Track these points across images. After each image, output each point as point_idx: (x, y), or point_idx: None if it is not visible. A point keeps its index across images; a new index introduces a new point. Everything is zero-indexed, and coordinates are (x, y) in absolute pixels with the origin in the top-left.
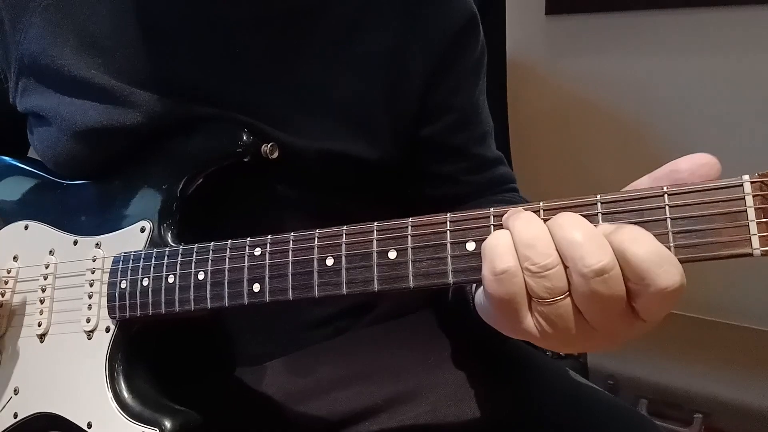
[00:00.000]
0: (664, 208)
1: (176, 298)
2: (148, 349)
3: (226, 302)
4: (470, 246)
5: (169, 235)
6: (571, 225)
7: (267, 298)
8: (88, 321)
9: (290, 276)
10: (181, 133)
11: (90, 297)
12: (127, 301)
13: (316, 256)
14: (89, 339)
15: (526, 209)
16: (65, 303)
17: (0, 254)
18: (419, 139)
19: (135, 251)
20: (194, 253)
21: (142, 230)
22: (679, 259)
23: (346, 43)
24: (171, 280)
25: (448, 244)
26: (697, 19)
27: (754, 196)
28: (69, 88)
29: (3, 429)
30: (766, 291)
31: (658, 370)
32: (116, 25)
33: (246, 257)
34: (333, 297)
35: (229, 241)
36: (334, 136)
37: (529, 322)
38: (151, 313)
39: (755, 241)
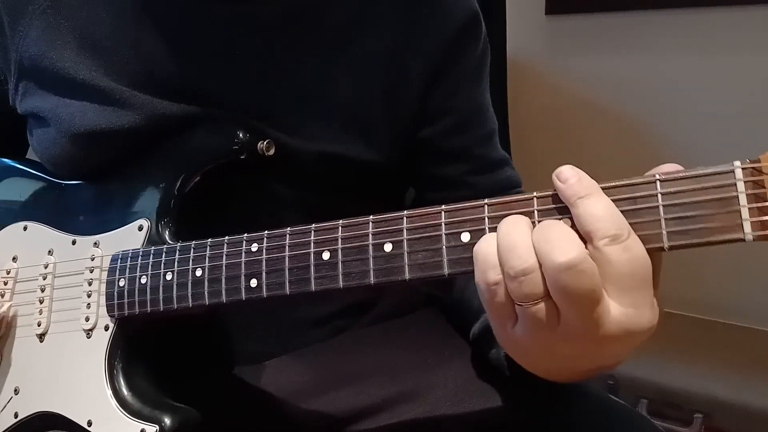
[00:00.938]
0: (657, 195)
1: (174, 295)
2: (147, 347)
3: (224, 298)
4: (465, 237)
5: (167, 233)
6: (546, 224)
7: (264, 293)
8: (87, 320)
9: (287, 271)
10: (179, 133)
11: (89, 296)
12: (126, 300)
13: (312, 250)
14: (88, 338)
15: (520, 200)
16: (64, 302)
17: None
18: (419, 141)
19: (133, 249)
20: (192, 250)
21: (140, 228)
22: (672, 245)
23: (345, 44)
24: (169, 277)
25: (443, 236)
26: (697, 19)
27: (745, 182)
28: (68, 90)
29: (4, 429)
30: (766, 291)
31: (658, 370)
32: (115, 27)
33: (243, 253)
34: (330, 291)
35: (226, 237)
36: (333, 136)
37: (515, 326)
38: (149, 311)
39: (747, 226)
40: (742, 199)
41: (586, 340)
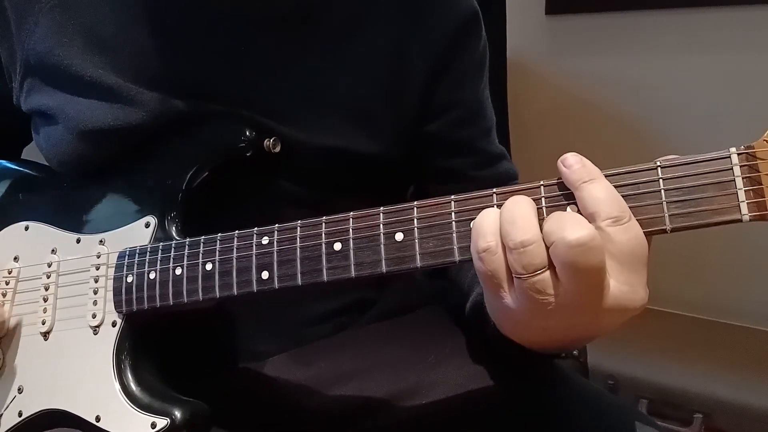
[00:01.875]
0: (658, 180)
1: (184, 289)
2: (153, 342)
3: (235, 291)
4: None
5: (174, 230)
6: (559, 213)
7: (276, 284)
8: (94, 316)
9: (299, 261)
10: (185, 130)
11: (95, 293)
12: (134, 295)
13: (323, 241)
14: (95, 334)
15: (528, 188)
16: (69, 300)
17: (0, 256)
18: (424, 135)
19: (141, 246)
20: (201, 245)
21: (147, 225)
22: (674, 227)
23: (348, 40)
24: (179, 272)
25: (453, 223)
26: (697, 19)
27: (741, 166)
28: (75, 87)
29: (8, 428)
30: (766, 291)
31: (658, 370)
32: (122, 25)
33: (254, 246)
34: (342, 281)
35: (236, 231)
36: (336, 132)
37: (509, 297)
38: (159, 305)
39: (743, 208)
40: (739, 183)
41: (584, 313)
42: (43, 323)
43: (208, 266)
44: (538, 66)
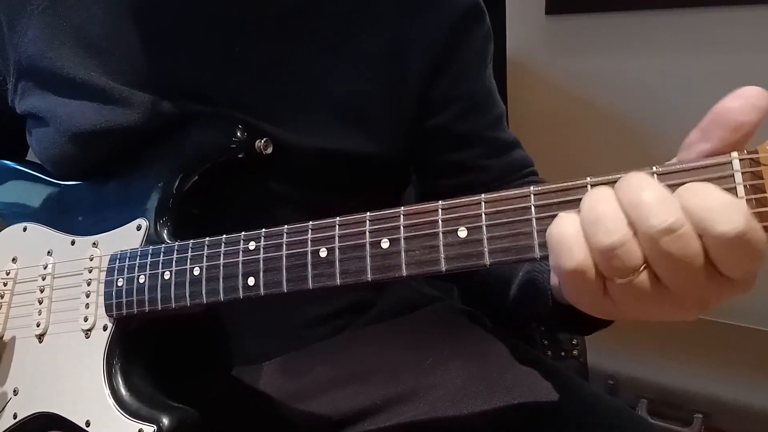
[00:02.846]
0: None
1: (172, 294)
2: (145, 347)
3: (222, 297)
4: (462, 233)
5: (165, 232)
6: (637, 186)
7: (262, 291)
8: (86, 320)
9: (284, 269)
10: (177, 132)
11: (87, 296)
12: (124, 299)
13: (309, 248)
14: (87, 338)
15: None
16: (63, 303)
17: None
18: (429, 130)
19: (131, 249)
20: (190, 249)
21: (138, 228)
22: None
23: (343, 40)
24: (167, 276)
25: (440, 233)
26: (697, 19)
27: (743, 173)
28: (66, 89)
29: (3, 430)
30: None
31: (658, 370)
32: (113, 27)
33: (240, 252)
34: (327, 289)
35: (224, 236)
36: (332, 132)
37: (608, 300)
38: (147, 310)
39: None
40: (740, 191)
41: (693, 304)
42: (38, 325)
43: (196, 271)
44: (538, 66)
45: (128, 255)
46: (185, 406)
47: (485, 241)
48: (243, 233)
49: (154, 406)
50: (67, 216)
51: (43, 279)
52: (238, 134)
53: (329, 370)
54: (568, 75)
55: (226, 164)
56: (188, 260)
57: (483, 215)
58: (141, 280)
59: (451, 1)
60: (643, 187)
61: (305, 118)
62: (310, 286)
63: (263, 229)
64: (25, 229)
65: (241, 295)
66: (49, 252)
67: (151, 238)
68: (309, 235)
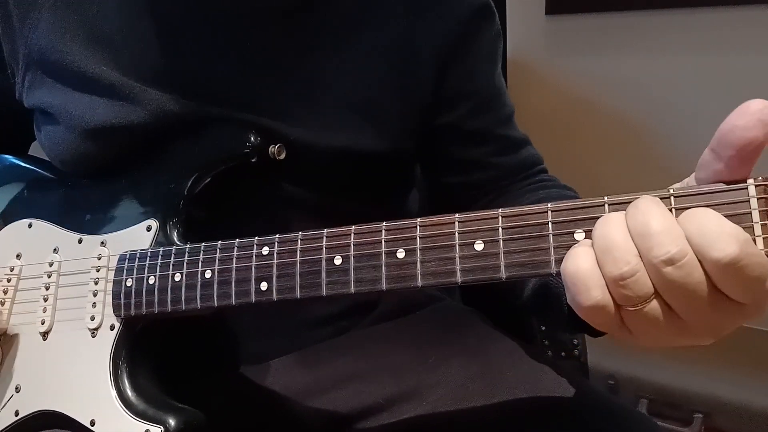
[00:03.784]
0: (671, 210)
1: (182, 297)
2: (152, 347)
3: (233, 300)
4: (479, 246)
5: (175, 234)
6: (645, 213)
7: (275, 296)
8: (93, 319)
9: (298, 275)
10: (189, 133)
11: (95, 295)
12: (133, 299)
13: (324, 255)
14: (93, 337)
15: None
16: (69, 301)
17: (3, 252)
18: (441, 127)
19: (141, 250)
20: (201, 252)
21: (148, 229)
22: None
23: (352, 35)
24: (178, 278)
25: (457, 245)
26: (697, 19)
27: (758, 198)
28: (77, 84)
29: (4, 427)
30: None
31: (658, 370)
32: (125, 21)
33: (254, 256)
34: (340, 296)
35: (237, 240)
36: (342, 129)
37: (623, 327)
38: (156, 311)
39: (759, 243)
40: (755, 216)
41: (705, 331)
42: (43, 323)
43: (207, 274)
44: (538, 66)
45: (138, 255)
46: (191, 408)
47: (501, 255)
48: (256, 238)
49: (160, 407)
50: (75, 214)
51: (49, 276)
52: (252, 139)
53: (333, 369)
54: (568, 75)
55: (238, 168)
56: (200, 263)
57: (500, 229)
58: (151, 281)
59: (462, 0)
60: (650, 216)
61: (316, 114)
62: (324, 293)
63: (277, 235)
64: (30, 226)
65: (253, 299)
66: (55, 249)
67: (161, 240)
68: (324, 242)
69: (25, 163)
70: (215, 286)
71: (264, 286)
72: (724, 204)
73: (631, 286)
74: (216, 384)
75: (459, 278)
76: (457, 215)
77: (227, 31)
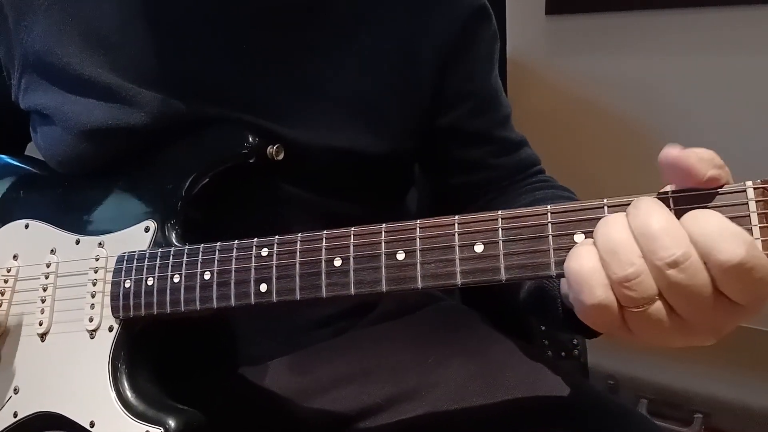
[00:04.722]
0: (671, 211)
1: (182, 298)
2: (150, 348)
3: (233, 302)
4: (478, 248)
5: (173, 235)
6: (646, 214)
7: (274, 298)
8: (91, 320)
9: (298, 276)
10: (187, 134)
11: (93, 296)
12: (131, 301)
13: (324, 257)
14: (92, 338)
15: (535, 213)
16: (67, 302)
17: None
18: (440, 128)
19: (139, 251)
20: (200, 253)
21: (147, 230)
22: None
23: (352, 37)
24: (176, 279)
25: (456, 247)
26: (697, 19)
27: (756, 201)
28: (74, 86)
29: (2, 428)
30: None
31: (658, 370)
32: (121, 23)
33: (253, 257)
34: (341, 297)
35: (236, 241)
36: (341, 130)
37: (624, 327)
38: (156, 313)
39: (758, 245)
40: (754, 219)
41: (706, 331)
42: (41, 324)
43: (206, 275)
44: (538, 66)
45: (136, 256)
46: (191, 409)
47: (501, 257)
48: (255, 239)
49: (159, 408)
50: (72, 215)
51: (47, 277)
52: (250, 139)
53: (332, 369)
54: (567, 75)
55: (236, 169)
56: (198, 264)
57: (500, 231)
58: (149, 283)
59: (461, 1)
60: (651, 216)
61: (315, 115)
62: (324, 294)
63: (276, 236)
64: (27, 226)
65: (252, 301)
66: (52, 250)
67: (159, 241)
68: (323, 244)
69: (21, 163)
70: (214, 287)
71: (264, 287)
72: (722, 206)
73: (636, 287)
74: (215, 385)
75: (459, 280)
76: (456, 217)
77: (226, 32)
